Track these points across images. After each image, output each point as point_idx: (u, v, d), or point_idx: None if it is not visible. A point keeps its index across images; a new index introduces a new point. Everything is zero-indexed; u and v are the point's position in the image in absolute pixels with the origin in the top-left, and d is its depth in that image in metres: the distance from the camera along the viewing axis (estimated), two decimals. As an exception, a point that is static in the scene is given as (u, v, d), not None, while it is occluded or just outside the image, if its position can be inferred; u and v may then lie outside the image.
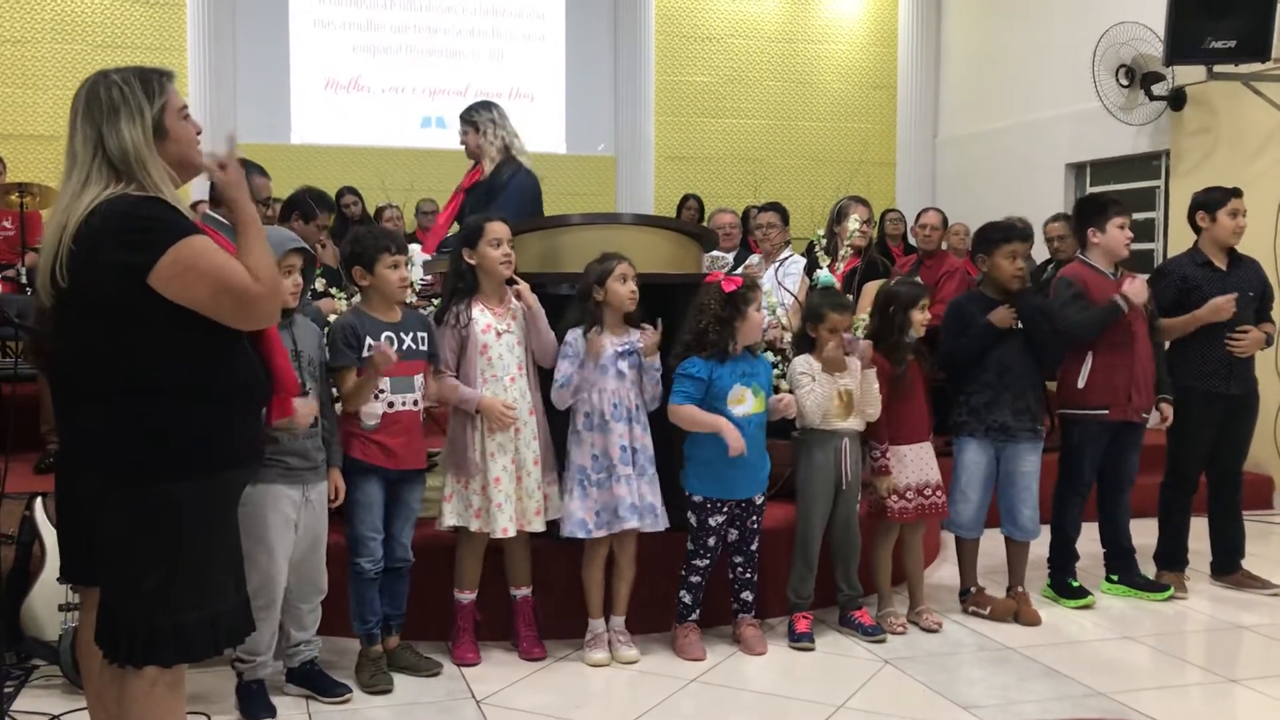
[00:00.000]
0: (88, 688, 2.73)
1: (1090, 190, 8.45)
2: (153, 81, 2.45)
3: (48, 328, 2.49)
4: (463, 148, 5.33)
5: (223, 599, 2.45)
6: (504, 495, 3.87)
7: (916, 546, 4.54)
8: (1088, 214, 4.82)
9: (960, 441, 4.54)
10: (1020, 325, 4.43)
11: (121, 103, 2.39)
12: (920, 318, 4.33)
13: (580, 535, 3.96)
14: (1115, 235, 4.69)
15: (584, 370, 3.95)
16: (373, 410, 3.72)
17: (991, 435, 4.48)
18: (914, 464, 4.40)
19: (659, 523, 4.01)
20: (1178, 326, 4.82)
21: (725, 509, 4.06)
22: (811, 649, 4.17)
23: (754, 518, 4.13)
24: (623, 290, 3.95)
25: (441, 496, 3.95)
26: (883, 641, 4.25)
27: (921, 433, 4.43)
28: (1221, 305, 4.72)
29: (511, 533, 3.89)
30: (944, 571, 5.14)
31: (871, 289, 4.97)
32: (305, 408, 3.42)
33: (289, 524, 3.52)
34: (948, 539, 5.29)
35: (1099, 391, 4.61)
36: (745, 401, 4.01)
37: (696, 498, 4.05)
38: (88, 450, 2.39)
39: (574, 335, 3.99)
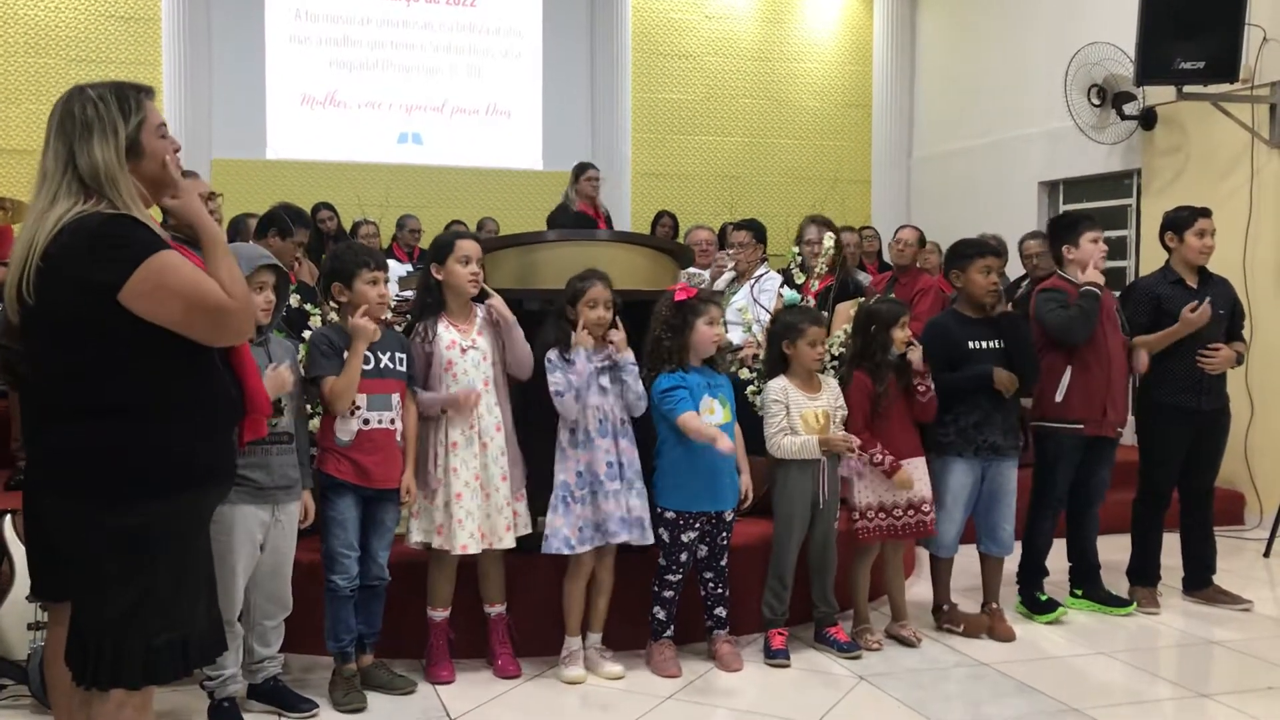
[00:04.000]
0: (57, 706, 2.70)
1: (1064, 208, 8.53)
2: (129, 98, 2.40)
3: (17, 345, 2.46)
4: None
5: (193, 619, 2.42)
6: (465, 511, 3.85)
7: (898, 561, 4.55)
8: (1061, 231, 4.87)
9: (946, 462, 4.52)
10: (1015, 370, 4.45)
11: (95, 120, 2.35)
12: (901, 335, 4.35)
13: (565, 551, 3.95)
14: (1089, 248, 4.73)
15: (575, 373, 3.92)
16: (348, 427, 3.71)
17: (981, 455, 4.48)
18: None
19: (646, 536, 4.00)
20: (1153, 343, 4.84)
21: (698, 524, 4.06)
22: (787, 665, 4.17)
23: (724, 534, 4.14)
24: (590, 315, 3.96)
25: (411, 513, 3.94)
26: (858, 658, 4.25)
27: (909, 449, 4.41)
28: (1192, 318, 4.75)
29: (473, 549, 3.86)
30: (919, 589, 5.15)
31: (844, 309, 4.99)
32: (275, 381, 3.40)
33: (254, 545, 3.51)
34: (922, 556, 5.32)
35: (1076, 406, 4.64)
36: (715, 412, 4.04)
37: (670, 513, 4.05)
38: (55, 472, 2.36)
39: (553, 354, 3.98)
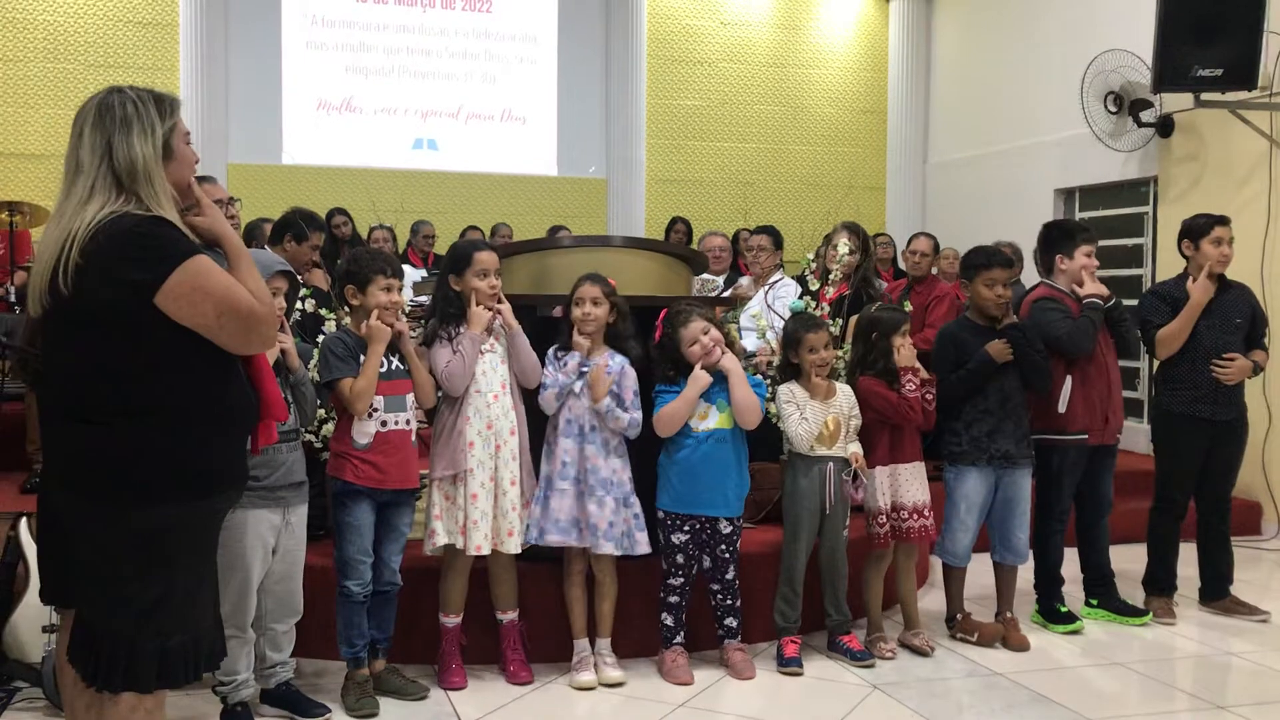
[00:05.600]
0: (68, 708, 2.70)
1: (1080, 215, 8.49)
2: (165, 102, 2.47)
3: (37, 347, 2.47)
4: None
5: (204, 622, 2.44)
6: (480, 513, 3.86)
7: (910, 569, 4.53)
8: (1056, 240, 4.81)
9: (958, 470, 4.50)
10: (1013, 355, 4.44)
11: (135, 116, 2.38)
12: (901, 343, 4.34)
13: (531, 541, 3.98)
14: (1081, 262, 4.70)
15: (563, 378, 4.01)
16: (365, 429, 3.72)
17: (994, 464, 4.46)
18: (911, 483, 4.38)
19: (600, 545, 3.95)
20: (1177, 329, 4.81)
21: (688, 526, 4.07)
22: (800, 674, 4.16)
23: (724, 545, 4.12)
24: (575, 313, 4.01)
25: (431, 516, 3.93)
26: (871, 666, 4.23)
27: (911, 454, 4.41)
28: (1196, 287, 4.77)
29: (485, 550, 3.87)
30: (932, 597, 5.13)
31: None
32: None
33: (266, 549, 3.52)
34: (936, 564, 5.29)
35: (1079, 416, 4.62)
36: (708, 417, 4.06)
37: (660, 514, 4.09)
38: (77, 474, 2.37)
39: (551, 351, 4.05)
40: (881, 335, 4.36)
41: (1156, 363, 5.05)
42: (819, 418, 4.20)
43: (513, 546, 3.91)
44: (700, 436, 4.06)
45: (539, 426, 4.08)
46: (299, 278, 3.92)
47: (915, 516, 4.36)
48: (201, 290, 2.32)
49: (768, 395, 4.57)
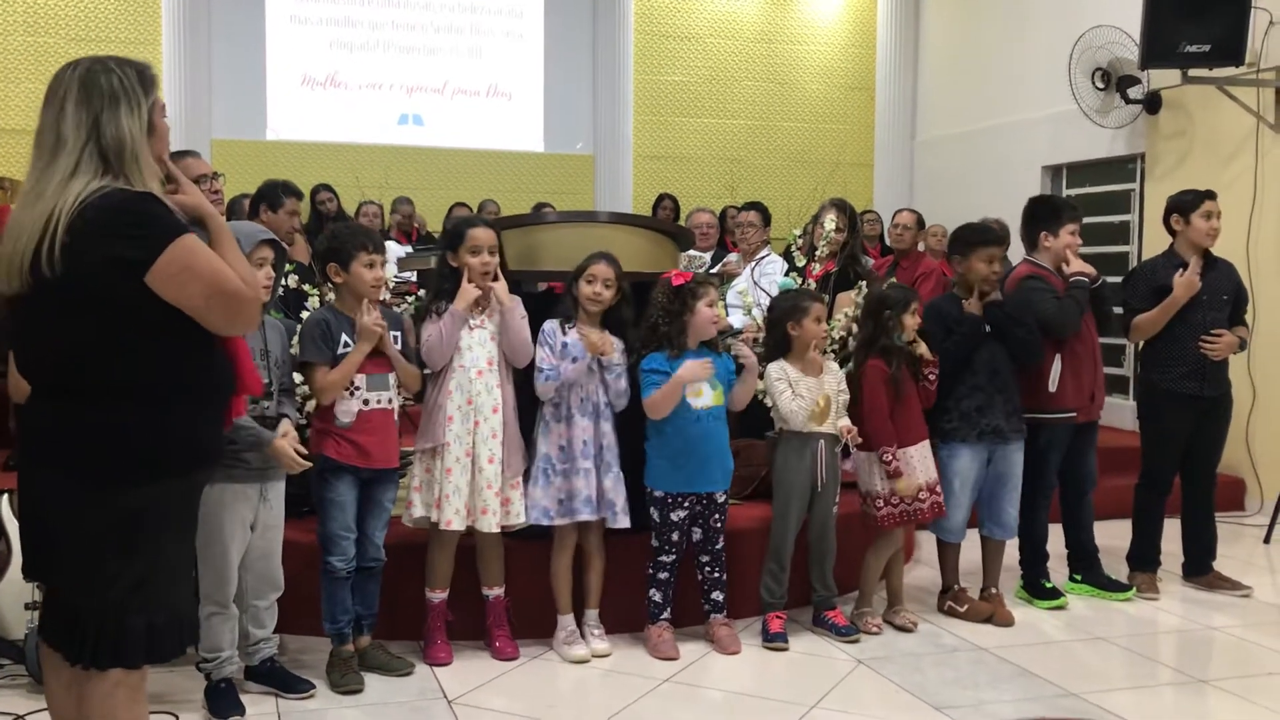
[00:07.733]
0: (48, 685, 2.69)
1: (1067, 193, 8.49)
2: (147, 74, 2.41)
3: (5, 320, 2.42)
4: None
5: (186, 598, 2.43)
6: (453, 487, 3.85)
7: (900, 547, 4.53)
8: (1042, 216, 4.78)
9: (951, 447, 4.50)
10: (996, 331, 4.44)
11: (122, 92, 2.33)
12: (911, 322, 4.33)
13: (544, 522, 4.00)
14: (1066, 240, 4.69)
15: (572, 366, 3.98)
16: (348, 408, 3.70)
17: (985, 439, 4.47)
18: (920, 465, 4.37)
19: (618, 519, 4.02)
20: (1152, 319, 4.84)
21: (687, 503, 4.07)
22: (785, 649, 4.17)
23: (716, 515, 4.13)
24: (585, 290, 3.99)
25: (411, 489, 3.93)
26: (856, 641, 4.24)
27: (918, 432, 4.40)
28: (1182, 282, 4.76)
29: (456, 526, 3.86)
30: (918, 572, 5.15)
31: (845, 299, 4.97)
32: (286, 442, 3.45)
33: (245, 524, 3.51)
34: (922, 540, 5.31)
35: (1069, 395, 4.62)
36: (703, 395, 4.06)
37: (658, 493, 4.07)
38: (58, 451, 2.34)
39: (550, 325, 4.03)
40: (894, 314, 4.32)
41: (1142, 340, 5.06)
42: (812, 394, 4.20)
43: (486, 525, 3.89)
44: (698, 414, 4.05)
45: (530, 406, 4.06)
46: (284, 249, 3.87)
47: (925, 495, 4.36)
48: (190, 270, 2.28)
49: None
